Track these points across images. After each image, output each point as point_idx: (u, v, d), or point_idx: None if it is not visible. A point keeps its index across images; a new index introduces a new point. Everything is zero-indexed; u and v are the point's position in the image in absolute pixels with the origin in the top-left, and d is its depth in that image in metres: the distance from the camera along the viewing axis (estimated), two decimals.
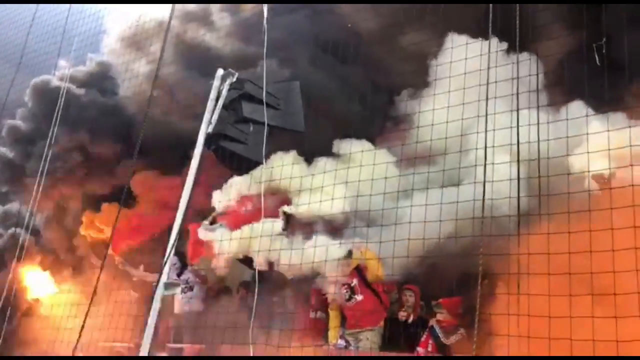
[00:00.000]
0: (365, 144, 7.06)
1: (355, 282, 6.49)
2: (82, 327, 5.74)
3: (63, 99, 10.00)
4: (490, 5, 5.42)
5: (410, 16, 7.64)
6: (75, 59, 13.24)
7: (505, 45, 6.38)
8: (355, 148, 6.86)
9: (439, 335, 6.15)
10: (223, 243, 6.82)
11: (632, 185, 4.70)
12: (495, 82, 5.26)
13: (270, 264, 6.72)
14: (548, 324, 4.53)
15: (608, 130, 5.05)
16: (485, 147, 5.00)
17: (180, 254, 8.64)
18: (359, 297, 6.43)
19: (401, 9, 7.83)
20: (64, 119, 9.92)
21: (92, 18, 12.64)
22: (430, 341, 6.19)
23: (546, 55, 6.41)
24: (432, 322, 6.24)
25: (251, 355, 5.44)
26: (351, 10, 8.76)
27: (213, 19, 10.21)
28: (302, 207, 6.67)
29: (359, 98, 8.46)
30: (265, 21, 5.68)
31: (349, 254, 6.45)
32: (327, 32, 8.61)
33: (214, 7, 10.29)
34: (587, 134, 5.27)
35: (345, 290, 6.49)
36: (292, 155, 6.89)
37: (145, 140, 5.94)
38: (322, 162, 6.97)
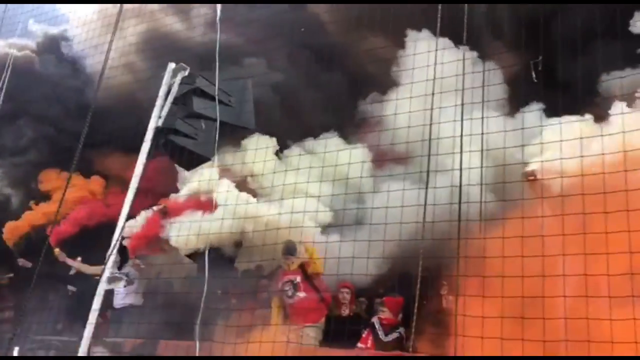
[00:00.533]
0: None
1: (298, 279, 6.60)
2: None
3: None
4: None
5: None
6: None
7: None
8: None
9: (378, 332, 6.37)
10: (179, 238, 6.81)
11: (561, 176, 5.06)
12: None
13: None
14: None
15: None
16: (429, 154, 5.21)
17: (120, 246, 8.55)
18: (302, 295, 6.54)
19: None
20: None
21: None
22: (371, 337, 6.39)
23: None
24: (374, 319, 6.44)
25: (197, 353, 5.47)
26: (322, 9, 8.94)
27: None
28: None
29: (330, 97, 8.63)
30: (218, 19, 5.70)
31: (293, 250, 6.56)
32: (301, 29, 8.71)
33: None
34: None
35: (288, 288, 6.59)
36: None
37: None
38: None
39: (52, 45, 11.78)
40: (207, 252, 5.67)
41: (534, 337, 4.56)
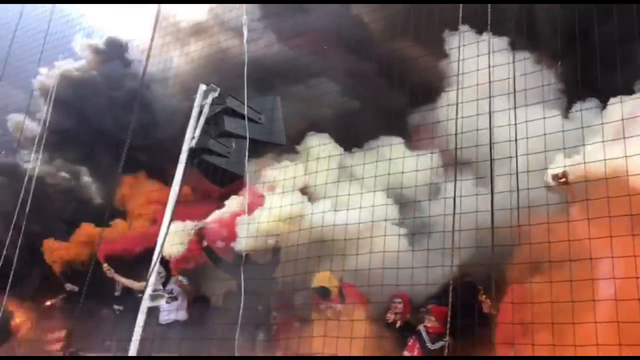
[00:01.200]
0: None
1: (339, 307, 6.80)
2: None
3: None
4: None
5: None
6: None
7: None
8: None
9: (425, 340, 6.42)
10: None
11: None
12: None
13: None
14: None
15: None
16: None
17: (165, 262, 8.87)
18: (345, 318, 6.73)
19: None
20: None
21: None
22: (417, 345, 6.46)
23: None
24: (420, 327, 6.50)
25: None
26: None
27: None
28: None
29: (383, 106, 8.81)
30: (245, 41, 5.94)
31: (326, 295, 6.92)
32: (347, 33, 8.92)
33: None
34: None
35: (330, 313, 6.82)
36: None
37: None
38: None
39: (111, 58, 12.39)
40: (241, 268, 5.82)
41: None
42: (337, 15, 9.59)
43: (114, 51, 12.39)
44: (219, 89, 5.76)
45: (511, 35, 7.29)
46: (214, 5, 10.80)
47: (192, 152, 5.67)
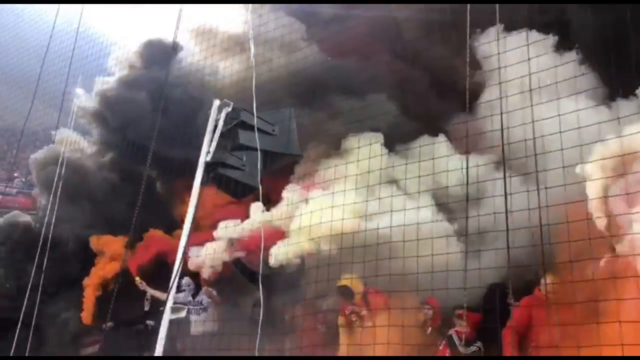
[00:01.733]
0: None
1: (364, 312, 6.90)
2: None
3: None
4: None
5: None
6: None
7: None
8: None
9: (457, 344, 6.42)
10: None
11: None
12: None
13: None
14: None
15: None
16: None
17: (195, 275, 9.11)
18: (369, 324, 6.81)
19: None
20: None
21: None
22: (448, 350, 6.47)
23: None
24: (451, 331, 6.52)
25: None
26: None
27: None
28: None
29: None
30: (252, 55, 6.09)
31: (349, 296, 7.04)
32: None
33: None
34: None
35: (354, 318, 6.90)
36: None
37: None
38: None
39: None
40: (260, 280, 5.98)
41: None
42: (378, 22, 9.69)
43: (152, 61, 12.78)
44: (232, 103, 5.92)
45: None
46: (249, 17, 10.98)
47: (208, 166, 5.83)
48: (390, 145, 8.41)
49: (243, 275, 8.48)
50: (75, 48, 13.20)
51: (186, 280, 9.14)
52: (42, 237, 10.48)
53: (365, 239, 6.97)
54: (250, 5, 9.07)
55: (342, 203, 7.18)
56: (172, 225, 10.13)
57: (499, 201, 5.56)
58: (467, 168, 5.94)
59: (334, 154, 8.61)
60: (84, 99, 13.46)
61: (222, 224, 8.71)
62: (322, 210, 7.28)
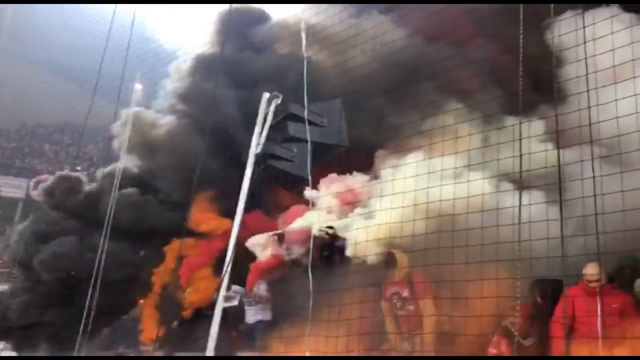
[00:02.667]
0: None
1: (405, 292, 6.83)
2: None
3: None
4: None
5: None
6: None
7: None
8: None
9: (515, 336, 6.32)
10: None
11: None
12: None
13: None
14: None
15: None
16: None
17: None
18: (411, 308, 6.75)
19: None
20: None
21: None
22: (504, 342, 6.38)
23: None
24: (507, 323, 6.42)
25: None
26: None
27: None
28: None
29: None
30: (303, 47, 6.19)
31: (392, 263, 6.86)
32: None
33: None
34: None
35: (395, 299, 6.84)
36: None
37: None
38: None
39: None
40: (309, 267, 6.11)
41: None
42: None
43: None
44: (281, 96, 6.04)
45: None
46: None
47: (259, 158, 5.99)
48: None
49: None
50: (130, 46, 13.61)
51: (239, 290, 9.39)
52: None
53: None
54: None
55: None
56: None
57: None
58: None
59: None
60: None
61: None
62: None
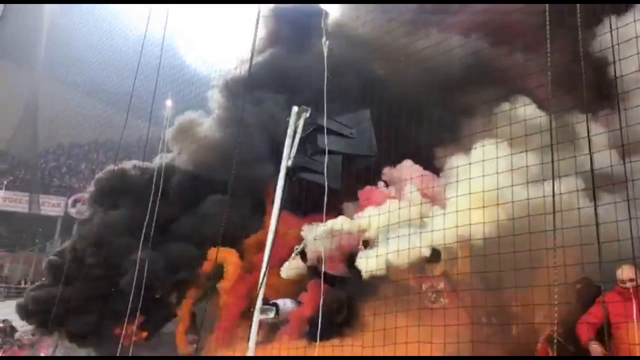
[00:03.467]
0: None
1: (441, 285, 6.94)
2: None
3: None
4: None
5: None
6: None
7: None
8: None
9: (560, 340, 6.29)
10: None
11: None
12: None
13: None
14: None
15: None
16: None
17: None
18: (445, 301, 6.85)
19: None
20: None
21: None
22: (548, 349, 6.38)
23: None
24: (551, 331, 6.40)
25: None
26: None
27: None
28: None
29: None
30: (325, 56, 6.32)
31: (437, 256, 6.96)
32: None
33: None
34: None
35: (430, 293, 6.96)
36: None
37: None
38: None
39: None
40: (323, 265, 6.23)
41: None
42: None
43: None
44: (309, 109, 6.19)
45: None
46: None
47: (290, 170, 6.14)
48: None
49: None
50: (162, 61, 14.05)
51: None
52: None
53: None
54: None
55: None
56: None
57: None
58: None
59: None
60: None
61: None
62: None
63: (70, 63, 37.85)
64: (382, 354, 6.71)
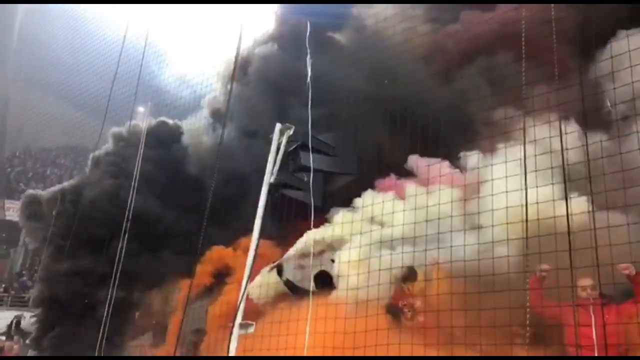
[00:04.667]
0: None
1: (418, 303, 7.17)
2: None
3: None
4: None
5: None
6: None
7: None
8: None
9: None
10: None
11: None
12: None
13: None
14: None
15: None
16: None
17: None
18: (421, 319, 7.07)
19: None
20: None
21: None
22: None
23: None
24: None
25: None
26: None
27: None
28: None
29: None
30: (309, 72, 6.49)
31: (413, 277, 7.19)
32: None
33: None
34: None
35: (407, 310, 7.19)
36: None
37: None
38: None
39: None
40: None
41: None
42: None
43: None
44: (293, 127, 6.33)
45: None
46: None
47: (272, 187, 6.27)
48: None
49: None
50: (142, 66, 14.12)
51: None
52: None
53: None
54: None
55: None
56: None
57: None
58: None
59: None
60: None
61: None
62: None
63: (42, 64, 37.38)
64: None
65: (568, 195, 5.93)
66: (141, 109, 18.69)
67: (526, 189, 5.80)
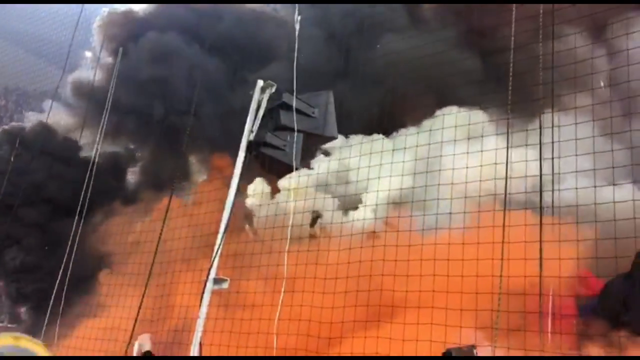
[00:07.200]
0: None
1: None
2: None
3: None
4: None
5: None
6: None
7: None
8: None
9: None
10: None
11: None
12: None
13: None
14: None
15: None
16: None
17: None
18: None
19: None
20: None
21: None
22: None
23: None
24: None
25: None
26: None
27: None
28: None
29: None
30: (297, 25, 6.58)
31: None
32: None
33: None
34: None
35: None
36: None
37: None
38: None
39: None
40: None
41: None
42: None
43: None
44: (275, 85, 6.44)
45: None
46: None
47: (251, 145, 6.41)
48: None
49: None
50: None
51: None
52: None
53: None
54: None
55: None
56: None
57: None
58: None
59: None
60: None
61: None
62: None
63: None
64: None
65: None
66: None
67: None
